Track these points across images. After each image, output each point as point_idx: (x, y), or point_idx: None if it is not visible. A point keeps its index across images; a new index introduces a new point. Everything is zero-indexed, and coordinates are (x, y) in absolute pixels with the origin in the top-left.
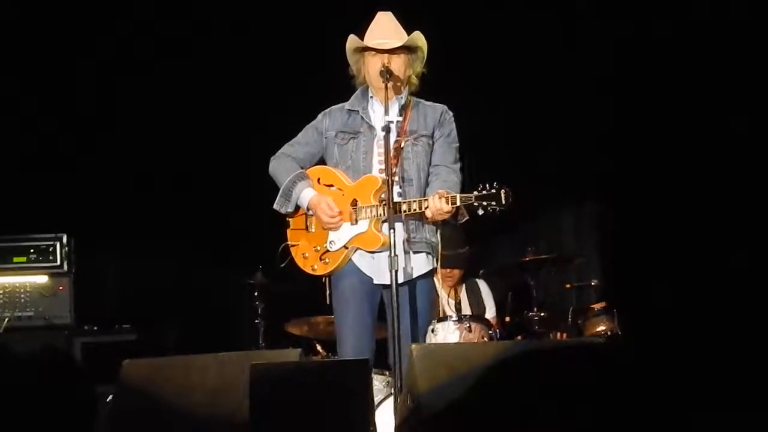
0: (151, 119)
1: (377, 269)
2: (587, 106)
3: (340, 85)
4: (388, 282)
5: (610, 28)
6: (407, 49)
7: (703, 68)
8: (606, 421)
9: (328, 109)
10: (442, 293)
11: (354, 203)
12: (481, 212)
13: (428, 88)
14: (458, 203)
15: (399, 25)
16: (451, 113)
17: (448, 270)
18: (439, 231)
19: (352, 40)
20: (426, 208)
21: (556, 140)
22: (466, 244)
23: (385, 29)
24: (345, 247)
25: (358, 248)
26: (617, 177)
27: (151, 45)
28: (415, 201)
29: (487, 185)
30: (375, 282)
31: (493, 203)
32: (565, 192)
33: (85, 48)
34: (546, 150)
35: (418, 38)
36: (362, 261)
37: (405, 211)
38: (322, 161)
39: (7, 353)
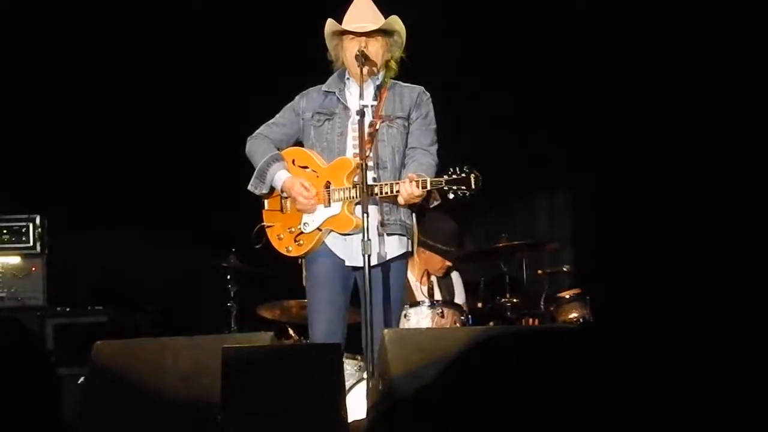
0: (127, 100)
1: (350, 252)
2: (566, 91)
3: (319, 68)
4: (359, 264)
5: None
6: (384, 32)
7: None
8: (577, 406)
9: (306, 91)
10: (414, 279)
11: (327, 185)
12: (451, 196)
13: (407, 70)
14: (429, 187)
15: (376, 9)
16: (428, 94)
17: (441, 260)
18: (414, 214)
19: (329, 24)
20: (398, 192)
21: (533, 126)
22: (462, 244)
23: (362, 13)
24: (318, 229)
25: (331, 230)
26: (594, 162)
27: (134, 27)
28: (387, 184)
29: (458, 169)
30: (347, 264)
31: (463, 187)
32: (539, 177)
33: (78, 28)
34: (522, 135)
35: (395, 22)
36: (335, 243)
37: (377, 195)
38: (299, 142)
39: None
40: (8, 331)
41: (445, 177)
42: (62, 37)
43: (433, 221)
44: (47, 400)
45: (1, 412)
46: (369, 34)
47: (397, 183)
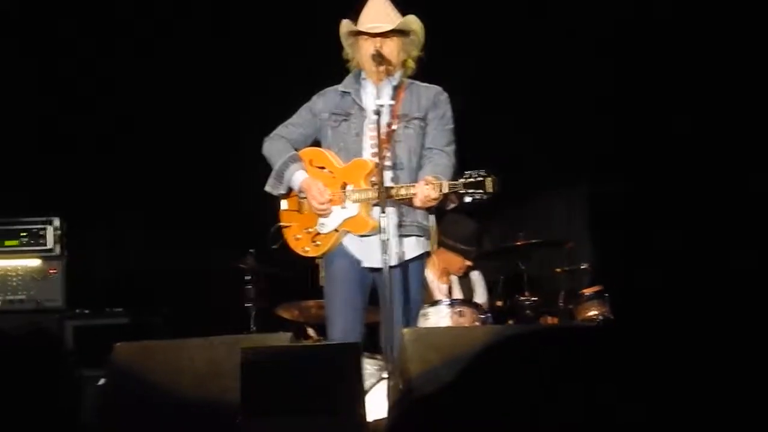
0: (144, 101)
1: (366, 252)
2: (580, 90)
3: (335, 66)
4: (376, 265)
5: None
6: (401, 32)
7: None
8: (597, 405)
9: (323, 91)
10: (433, 278)
11: (344, 186)
12: (468, 199)
13: (424, 69)
14: (445, 190)
15: (393, 8)
16: (446, 94)
17: (461, 259)
18: (431, 215)
19: (344, 24)
20: (414, 195)
21: (548, 124)
22: (482, 244)
23: (377, 13)
24: (336, 230)
25: (348, 231)
26: (610, 160)
27: (151, 27)
28: (403, 186)
29: (474, 173)
30: (363, 265)
31: (480, 191)
32: (557, 176)
33: (86, 30)
34: (537, 134)
35: (412, 21)
36: (352, 244)
37: (394, 196)
38: (317, 143)
39: None
40: (30, 335)
41: (462, 180)
42: (61, 37)
43: (452, 221)
44: (67, 402)
45: (23, 413)
46: (385, 35)
47: (413, 185)
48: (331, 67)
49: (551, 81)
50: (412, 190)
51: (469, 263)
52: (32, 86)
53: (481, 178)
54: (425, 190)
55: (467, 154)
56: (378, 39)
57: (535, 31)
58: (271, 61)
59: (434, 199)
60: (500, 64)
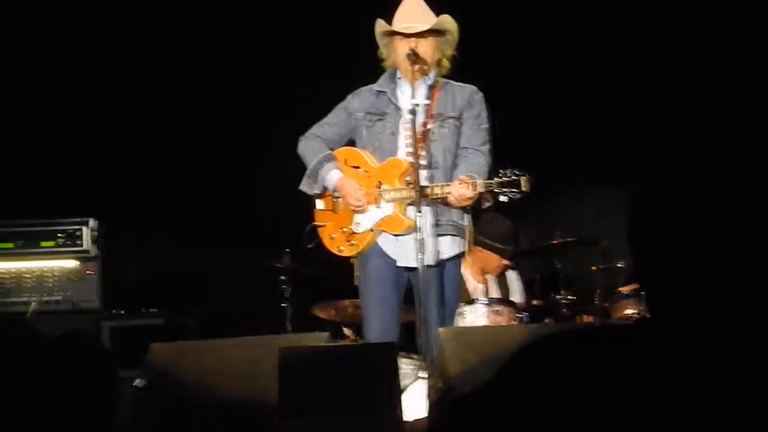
0: (177, 101)
1: (401, 252)
2: (612, 87)
3: (370, 66)
4: (411, 265)
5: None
6: (436, 32)
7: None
8: (635, 404)
9: (358, 90)
10: (470, 277)
11: (379, 185)
12: (502, 198)
13: (457, 67)
14: (480, 189)
15: (427, 7)
16: (480, 94)
17: (498, 258)
18: (467, 214)
19: (379, 24)
20: (449, 194)
21: (582, 121)
22: (518, 243)
23: (412, 12)
24: (371, 229)
25: (383, 231)
26: (645, 156)
27: (188, 27)
28: (438, 186)
29: (508, 171)
30: (398, 264)
31: (514, 190)
32: (592, 173)
33: (122, 30)
34: (570, 131)
35: (447, 21)
36: (387, 243)
37: (429, 195)
38: (352, 142)
39: (33, 336)
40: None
41: (496, 179)
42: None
43: (489, 220)
44: (105, 403)
45: (61, 415)
46: (420, 34)
47: (448, 184)
48: (366, 67)
49: (581, 78)
50: (446, 189)
51: (506, 262)
52: (71, 88)
53: (515, 177)
54: (460, 189)
55: (500, 153)
56: (413, 38)
57: (560, 27)
58: (311, 57)
59: (469, 198)
60: (527, 61)
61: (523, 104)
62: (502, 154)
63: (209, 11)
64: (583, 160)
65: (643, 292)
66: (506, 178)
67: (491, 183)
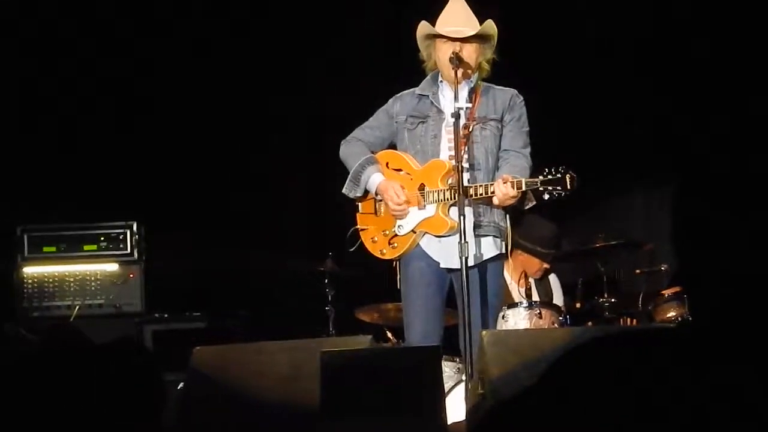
0: (218, 104)
1: (444, 253)
2: (661, 87)
3: (413, 70)
4: (454, 266)
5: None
6: (479, 37)
7: None
8: (679, 407)
9: (399, 94)
10: (511, 280)
11: (422, 187)
12: (546, 197)
13: (498, 70)
14: (524, 188)
15: (470, 12)
16: (521, 97)
17: (539, 262)
18: (508, 216)
19: (423, 27)
20: (492, 194)
21: (627, 124)
22: (560, 246)
23: (457, 16)
24: (413, 231)
25: (425, 232)
26: (691, 160)
27: (227, 27)
28: (481, 186)
29: (553, 169)
30: (442, 266)
31: (558, 188)
32: (635, 176)
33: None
34: (614, 134)
35: (491, 27)
36: (430, 245)
37: (472, 196)
38: (393, 146)
39: (81, 339)
40: (116, 342)
41: (540, 177)
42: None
43: (531, 224)
44: (154, 406)
45: (109, 417)
46: (465, 39)
47: (491, 184)
48: (408, 71)
49: (632, 75)
50: (490, 189)
51: (546, 266)
52: (119, 94)
53: (559, 175)
54: (504, 188)
55: (543, 154)
56: (457, 43)
57: (600, 25)
58: (353, 62)
59: (513, 197)
60: (571, 60)
61: (568, 103)
62: (546, 154)
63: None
64: (630, 160)
65: (686, 296)
66: (550, 176)
67: (536, 181)
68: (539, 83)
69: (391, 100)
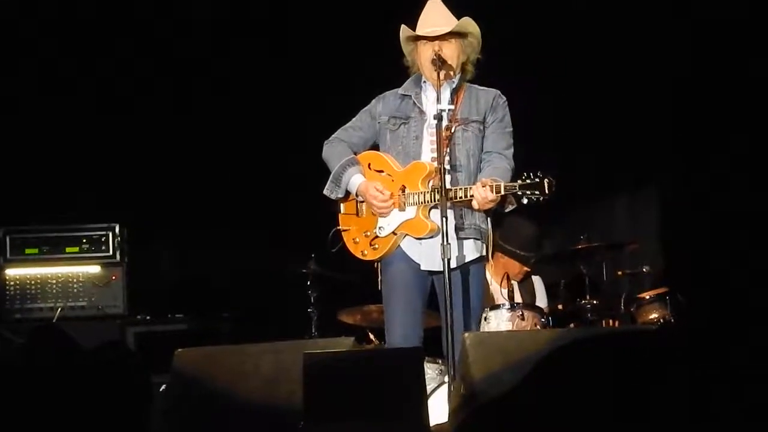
0: (203, 107)
1: (425, 255)
2: (641, 89)
3: (398, 69)
4: (435, 268)
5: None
6: (459, 35)
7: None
8: (660, 408)
9: (382, 95)
10: (494, 282)
11: (402, 189)
12: (525, 201)
13: (478, 70)
14: (503, 192)
15: (448, 11)
16: (504, 98)
17: (520, 265)
18: (489, 218)
19: (403, 30)
20: (472, 197)
21: (609, 125)
22: (541, 249)
23: (434, 17)
24: (393, 233)
25: (406, 234)
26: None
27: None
28: (461, 189)
29: (531, 174)
30: (423, 268)
31: (537, 192)
32: (617, 178)
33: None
34: (598, 136)
35: (468, 23)
36: (411, 247)
37: (452, 199)
38: (376, 146)
39: (67, 341)
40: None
41: (519, 182)
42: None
43: (512, 226)
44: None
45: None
46: (443, 38)
47: (471, 187)
48: (394, 70)
49: (613, 82)
50: (469, 192)
51: (527, 269)
52: (95, 95)
53: (538, 180)
54: (483, 192)
55: (526, 157)
56: (437, 42)
57: (593, 27)
58: (335, 63)
59: (492, 201)
60: (563, 62)
61: (552, 105)
62: (530, 156)
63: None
64: (613, 161)
65: (668, 297)
66: (529, 181)
67: (514, 185)
68: (522, 83)
69: (374, 101)
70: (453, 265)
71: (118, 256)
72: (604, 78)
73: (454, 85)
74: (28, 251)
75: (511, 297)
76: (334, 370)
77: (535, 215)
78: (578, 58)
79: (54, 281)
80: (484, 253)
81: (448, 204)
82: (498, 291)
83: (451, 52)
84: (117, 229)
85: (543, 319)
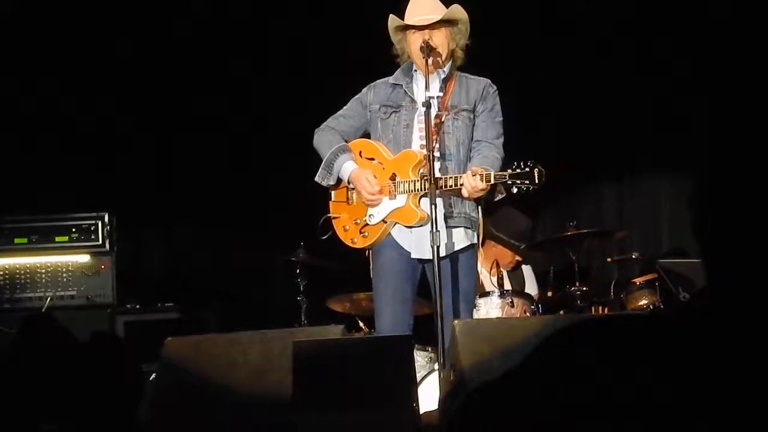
0: (193, 100)
1: (415, 243)
2: (627, 78)
3: (385, 61)
4: (424, 257)
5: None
6: (448, 22)
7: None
8: (649, 396)
9: (374, 83)
10: (483, 270)
11: (393, 177)
12: (515, 190)
13: (471, 60)
14: (492, 181)
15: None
16: (495, 87)
17: (512, 254)
18: (480, 207)
19: (391, 20)
20: (462, 186)
21: (597, 113)
22: (533, 238)
23: (423, 5)
24: (384, 221)
25: (396, 222)
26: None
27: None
28: (451, 177)
29: (521, 163)
30: (413, 256)
31: (527, 182)
32: (606, 165)
33: (123, 28)
34: (587, 123)
35: (457, 10)
36: (401, 235)
37: (442, 187)
38: (367, 134)
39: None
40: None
41: (509, 171)
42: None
43: (507, 217)
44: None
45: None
46: (432, 26)
47: (461, 176)
48: (381, 62)
49: (600, 72)
50: (459, 181)
51: (519, 258)
52: (90, 85)
53: (528, 169)
54: (472, 181)
55: (518, 146)
56: (426, 31)
57: (579, 22)
58: (320, 56)
59: (482, 190)
60: (553, 50)
61: (544, 96)
62: (521, 144)
63: None
64: (602, 149)
65: (657, 283)
66: (519, 170)
67: (504, 174)
68: (511, 72)
69: (365, 89)
70: (443, 253)
71: (107, 246)
72: (592, 66)
73: (444, 74)
74: (17, 241)
75: (500, 284)
76: (323, 359)
77: (524, 202)
78: (567, 46)
79: (43, 271)
80: (475, 241)
81: (438, 192)
82: (487, 278)
83: (440, 40)
84: (106, 218)
85: (533, 307)
